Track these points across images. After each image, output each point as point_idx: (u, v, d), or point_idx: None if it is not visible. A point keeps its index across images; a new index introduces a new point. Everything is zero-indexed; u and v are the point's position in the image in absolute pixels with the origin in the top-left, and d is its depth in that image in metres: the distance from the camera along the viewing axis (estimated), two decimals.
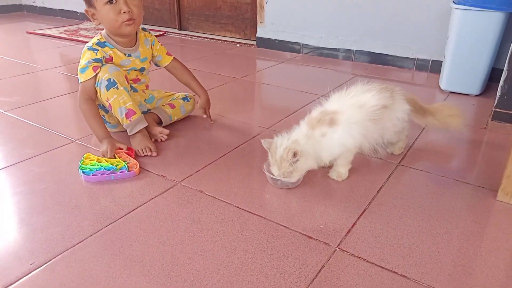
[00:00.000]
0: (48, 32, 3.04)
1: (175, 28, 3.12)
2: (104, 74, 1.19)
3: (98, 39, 1.26)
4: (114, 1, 1.18)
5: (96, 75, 1.20)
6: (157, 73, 1.50)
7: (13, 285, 0.75)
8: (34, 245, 0.85)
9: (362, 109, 1.04)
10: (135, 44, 1.31)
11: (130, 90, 1.29)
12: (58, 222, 0.92)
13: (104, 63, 1.23)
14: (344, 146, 1.04)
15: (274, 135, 1.06)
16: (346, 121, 1.02)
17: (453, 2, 1.70)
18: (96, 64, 1.21)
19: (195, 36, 2.97)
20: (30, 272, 0.78)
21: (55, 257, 0.82)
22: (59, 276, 0.77)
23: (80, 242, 0.86)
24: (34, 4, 3.95)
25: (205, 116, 1.48)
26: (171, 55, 1.43)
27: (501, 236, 0.89)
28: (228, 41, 2.81)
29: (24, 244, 0.85)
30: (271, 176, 1.04)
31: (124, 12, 1.19)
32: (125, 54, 1.28)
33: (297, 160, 0.98)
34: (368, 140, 1.06)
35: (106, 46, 1.25)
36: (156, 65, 1.43)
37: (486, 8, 1.60)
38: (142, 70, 1.34)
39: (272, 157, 1.02)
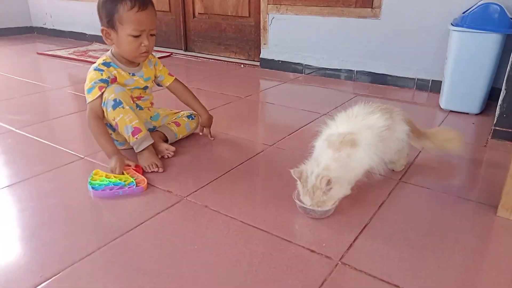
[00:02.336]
0: (58, 53, 3.13)
1: (181, 50, 3.20)
2: (110, 95, 1.24)
3: (103, 60, 1.31)
4: (139, 35, 1.24)
5: (102, 94, 1.25)
6: (163, 92, 1.55)
7: None
8: (44, 258, 0.87)
9: (372, 130, 1.06)
10: (139, 64, 1.36)
11: (136, 108, 1.33)
12: (67, 236, 0.94)
13: (110, 83, 1.28)
14: (363, 167, 1.05)
15: (302, 163, 1.03)
16: (363, 142, 1.03)
17: (451, 24, 1.76)
18: (101, 84, 1.26)
19: (200, 57, 3.05)
20: (40, 284, 0.80)
21: (64, 269, 0.84)
22: None
23: (88, 255, 0.88)
24: (44, 26, 4.07)
25: (201, 134, 1.53)
26: (172, 76, 1.49)
27: (502, 252, 0.91)
28: (233, 62, 2.88)
29: (34, 257, 0.88)
30: (303, 205, 1.00)
31: (144, 46, 1.26)
32: (129, 74, 1.34)
33: (331, 188, 0.95)
34: (379, 161, 1.07)
35: (111, 66, 1.30)
36: (158, 85, 1.49)
37: (483, 30, 1.65)
38: (145, 88, 1.40)
39: (303, 186, 0.99)
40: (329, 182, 0.93)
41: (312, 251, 0.90)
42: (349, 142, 1.01)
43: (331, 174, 0.95)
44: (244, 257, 0.88)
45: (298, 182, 1.01)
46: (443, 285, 0.80)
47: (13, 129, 1.60)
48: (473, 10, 1.68)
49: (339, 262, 0.86)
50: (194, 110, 1.51)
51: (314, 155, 1.06)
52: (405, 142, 1.18)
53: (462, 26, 1.69)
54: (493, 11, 1.64)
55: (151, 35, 1.28)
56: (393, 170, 1.25)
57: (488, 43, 1.66)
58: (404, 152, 1.23)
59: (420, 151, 1.39)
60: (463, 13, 1.75)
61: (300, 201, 1.02)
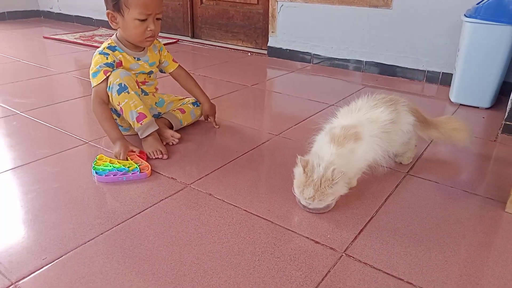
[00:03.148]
0: (64, 37, 3.11)
1: (188, 36, 3.17)
2: (116, 79, 1.22)
3: (108, 44, 1.30)
4: (145, 19, 1.23)
5: (107, 78, 1.23)
6: (167, 79, 1.53)
7: (25, 279, 0.77)
8: (47, 241, 0.87)
9: (376, 123, 1.03)
10: (144, 49, 1.35)
11: (141, 94, 1.32)
12: (70, 220, 0.94)
13: (115, 67, 1.26)
14: (367, 160, 1.03)
15: (304, 155, 1.00)
16: (367, 135, 1.01)
17: (464, 15, 1.71)
18: (107, 68, 1.24)
19: (207, 44, 3.01)
20: (42, 267, 0.80)
21: (67, 253, 0.83)
22: (70, 272, 0.79)
23: (91, 240, 0.88)
24: (51, 10, 4.04)
25: (206, 121, 1.52)
26: (176, 62, 1.48)
27: (509, 247, 0.89)
28: (240, 49, 2.84)
29: (37, 240, 0.87)
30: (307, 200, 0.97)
31: (150, 30, 1.24)
32: (134, 58, 1.32)
33: (337, 182, 0.92)
34: (383, 154, 1.05)
35: (116, 50, 1.29)
36: (161, 71, 1.47)
37: (497, 22, 1.60)
38: (150, 73, 1.39)
39: (307, 176, 0.94)
40: (342, 175, 0.91)
41: (316, 242, 0.89)
42: (353, 136, 0.99)
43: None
44: (247, 246, 0.87)
45: (297, 173, 0.98)
46: (448, 279, 0.79)
47: (18, 112, 1.60)
48: (487, 1, 1.64)
49: (344, 254, 0.85)
50: (196, 98, 1.50)
51: (314, 148, 1.03)
52: (411, 134, 1.16)
53: (476, 18, 1.65)
54: (508, 3, 1.60)
55: (157, 19, 1.26)
56: (401, 163, 1.24)
57: (502, 36, 1.62)
58: (411, 145, 1.21)
59: (428, 144, 1.36)
60: (477, 4, 1.70)
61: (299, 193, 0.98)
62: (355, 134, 0.99)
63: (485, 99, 1.74)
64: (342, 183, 0.94)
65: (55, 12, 4.00)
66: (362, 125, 1.02)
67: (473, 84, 1.74)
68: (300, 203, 1.01)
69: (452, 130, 1.22)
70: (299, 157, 0.97)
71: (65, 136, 1.39)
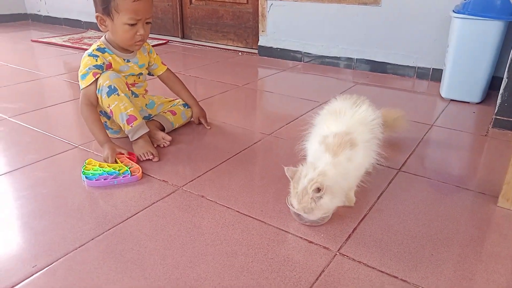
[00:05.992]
0: (52, 40, 3.07)
1: (178, 37, 3.15)
2: (105, 81, 1.21)
3: (98, 46, 1.28)
4: (135, 24, 1.22)
5: (96, 80, 1.22)
6: (156, 80, 1.52)
7: (15, 287, 0.75)
8: (37, 248, 0.85)
9: (365, 125, 0.99)
10: (133, 51, 1.34)
11: (131, 96, 1.31)
12: (60, 226, 0.93)
13: (105, 69, 1.25)
14: (365, 167, 1.00)
15: (299, 164, 0.92)
16: (361, 140, 0.96)
17: (453, 11, 1.72)
18: (96, 70, 1.23)
19: (197, 44, 3.00)
20: (32, 275, 0.78)
21: (57, 260, 0.82)
22: (60, 279, 0.77)
23: (81, 246, 0.86)
24: (39, 13, 4.00)
25: (196, 123, 1.50)
26: (165, 65, 1.47)
27: (501, 242, 0.89)
28: (230, 49, 2.83)
29: (26, 247, 0.86)
30: (297, 211, 0.92)
31: (139, 35, 1.24)
32: (124, 60, 1.31)
33: (321, 196, 0.85)
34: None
35: (106, 52, 1.28)
36: (149, 74, 1.46)
37: (485, 17, 1.61)
38: (140, 75, 1.38)
39: (293, 188, 0.90)
40: (318, 190, 0.84)
41: (310, 242, 0.88)
42: (348, 143, 0.92)
43: (326, 181, 0.85)
44: (240, 248, 0.86)
45: (291, 183, 0.92)
46: (442, 275, 0.79)
47: (6, 117, 1.57)
48: None
49: (337, 253, 0.85)
50: (184, 101, 1.50)
51: (309, 159, 0.98)
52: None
53: (464, 13, 1.65)
54: None
55: (147, 23, 1.26)
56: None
57: (490, 31, 1.63)
58: None
59: (420, 141, 1.37)
60: None
61: (291, 204, 0.94)
62: (350, 140, 0.93)
63: (475, 94, 1.75)
64: (328, 197, 0.86)
65: (43, 15, 3.96)
66: (354, 130, 0.96)
67: (463, 79, 1.75)
68: (295, 216, 0.96)
69: (393, 120, 1.27)
70: (285, 168, 0.91)
71: (54, 141, 1.37)
